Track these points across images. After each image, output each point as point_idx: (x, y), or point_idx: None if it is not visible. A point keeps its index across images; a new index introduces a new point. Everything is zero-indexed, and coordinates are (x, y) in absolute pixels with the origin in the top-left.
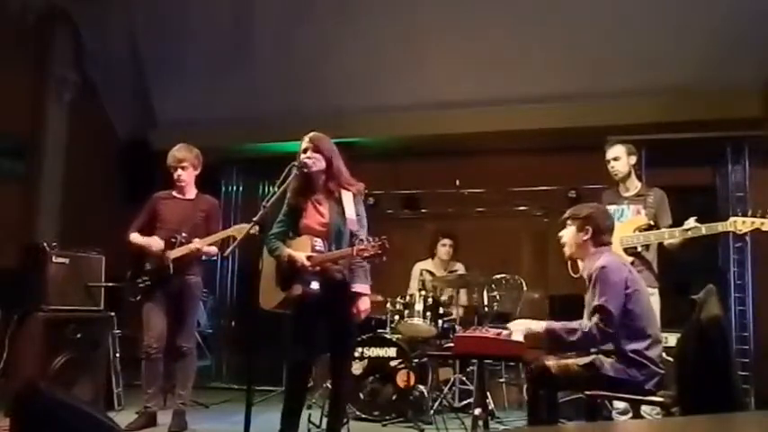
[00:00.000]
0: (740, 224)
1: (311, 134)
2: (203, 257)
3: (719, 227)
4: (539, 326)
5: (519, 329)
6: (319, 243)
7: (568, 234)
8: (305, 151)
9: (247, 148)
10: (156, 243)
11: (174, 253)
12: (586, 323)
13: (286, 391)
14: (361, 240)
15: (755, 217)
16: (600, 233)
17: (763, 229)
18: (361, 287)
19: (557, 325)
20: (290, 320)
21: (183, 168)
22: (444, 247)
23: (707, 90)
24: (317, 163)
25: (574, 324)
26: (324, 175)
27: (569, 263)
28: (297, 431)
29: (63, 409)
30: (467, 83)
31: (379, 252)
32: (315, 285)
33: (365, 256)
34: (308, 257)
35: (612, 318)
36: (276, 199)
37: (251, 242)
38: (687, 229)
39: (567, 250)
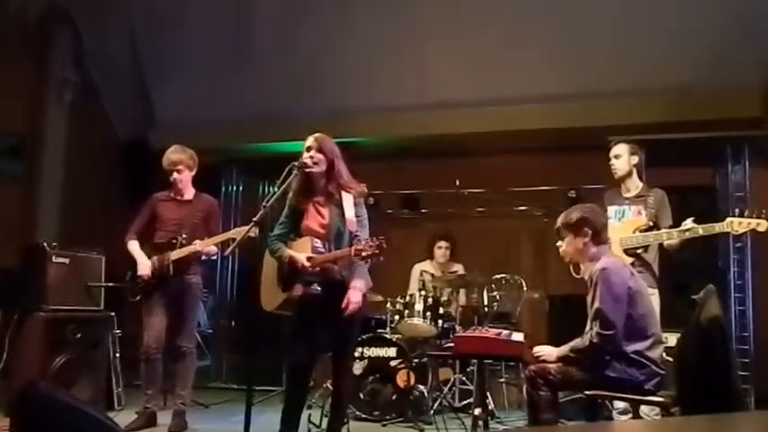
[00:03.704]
0: (736, 225)
1: (316, 134)
2: (203, 258)
3: (716, 228)
4: (551, 356)
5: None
6: (319, 244)
7: (567, 243)
8: (308, 150)
9: (247, 148)
10: (144, 266)
11: (175, 254)
12: (588, 336)
13: (286, 392)
14: (359, 240)
15: (752, 217)
16: (598, 232)
17: (759, 229)
18: (356, 282)
19: (565, 351)
20: (291, 321)
21: (178, 171)
22: (440, 250)
23: (707, 90)
24: (318, 164)
25: (578, 343)
26: (325, 177)
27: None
28: (297, 431)
29: (63, 408)
30: (467, 83)
31: (377, 252)
32: (317, 287)
33: (363, 256)
34: (308, 258)
35: (612, 320)
36: (276, 199)
37: (251, 242)
38: (685, 230)
39: (568, 258)
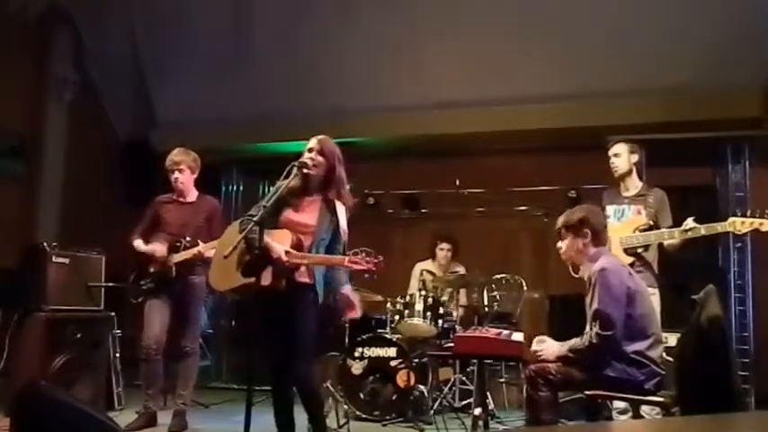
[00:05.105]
0: (739, 225)
1: (320, 136)
2: (206, 259)
3: (719, 227)
4: (549, 353)
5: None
6: (307, 243)
7: (567, 244)
8: (310, 150)
9: (247, 148)
10: (159, 249)
11: (178, 257)
12: (587, 336)
13: (271, 393)
14: (357, 252)
15: (754, 217)
16: (598, 233)
17: (762, 229)
18: (347, 288)
19: (564, 350)
20: (255, 317)
21: (180, 171)
22: (443, 252)
23: (707, 90)
24: (317, 166)
25: (577, 343)
26: (322, 180)
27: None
28: (293, 430)
29: (63, 409)
30: (467, 83)
31: (372, 270)
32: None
33: (355, 269)
34: (287, 252)
35: (611, 321)
36: (275, 199)
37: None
38: (686, 230)
39: (568, 259)
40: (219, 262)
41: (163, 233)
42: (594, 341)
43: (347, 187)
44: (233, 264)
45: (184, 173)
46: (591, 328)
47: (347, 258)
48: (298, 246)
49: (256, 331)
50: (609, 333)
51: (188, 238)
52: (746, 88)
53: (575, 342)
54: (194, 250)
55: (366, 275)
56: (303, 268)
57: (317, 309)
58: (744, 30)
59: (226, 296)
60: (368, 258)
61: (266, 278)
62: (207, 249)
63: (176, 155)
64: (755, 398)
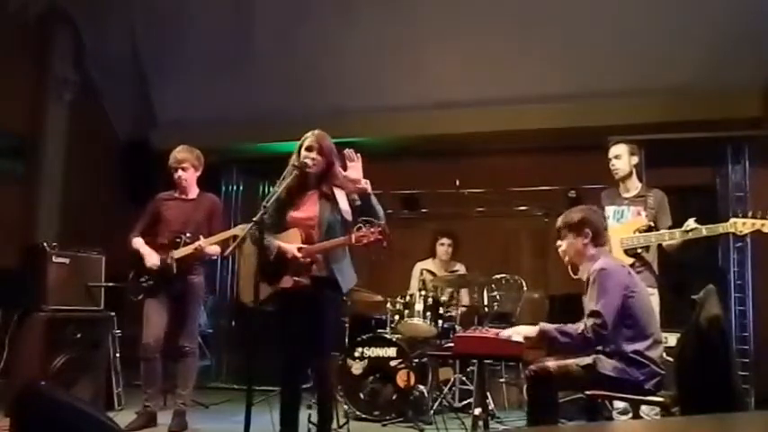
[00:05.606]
0: (740, 225)
1: (316, 132)
2: (206, 258)
3: (720, 228)
4: (533, 329)
5: (513, 335)
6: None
7: (567, 243)
8: (309, 149)
9: (247, 148)
10: (151, 258)
11: (178, 253)
12: (581, 325)
13: (280, 391)
14: (360, 227)
15: (756, 218)
16: (598, 234)
17: (764, 230)
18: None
19: (550, 327)
20: (277, 316)
21: (183, 169)
22: (443, 247)
23: (707, 90)
24: (317, 164)
25: (568, 327)
26: (320, 176)
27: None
28: (296, 431)
29: (63, 409)
30: (467, 83)
31: (380, 238)
32: (306, 279)
33: (364, 243)
34: (299, 249)
35: (608, 321)
36: (275, 200)
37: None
38: (687, 231)
39: (567, 259)
40: (247, 277)
41: (163, 230)
42: (589, 334)
43: (342, 178)
44: (257, 275)
45: (188, 171)
46: (585, 323)
47: (353, 236)
48: (308, 240)
49: (262, 331)
50: (604, 332)
51: (188, 235)
52: (746, 88)
53: (567, 326)
54: (195, 245)
55: (378, 246)
56: (323, 263)
57: (339, 305)
58: (744, 30)
59: (262, 307)
60: (372, 230)
61: (287, 280)
62: (207, 244)
63: (180, 152)
64: (755, 398)
